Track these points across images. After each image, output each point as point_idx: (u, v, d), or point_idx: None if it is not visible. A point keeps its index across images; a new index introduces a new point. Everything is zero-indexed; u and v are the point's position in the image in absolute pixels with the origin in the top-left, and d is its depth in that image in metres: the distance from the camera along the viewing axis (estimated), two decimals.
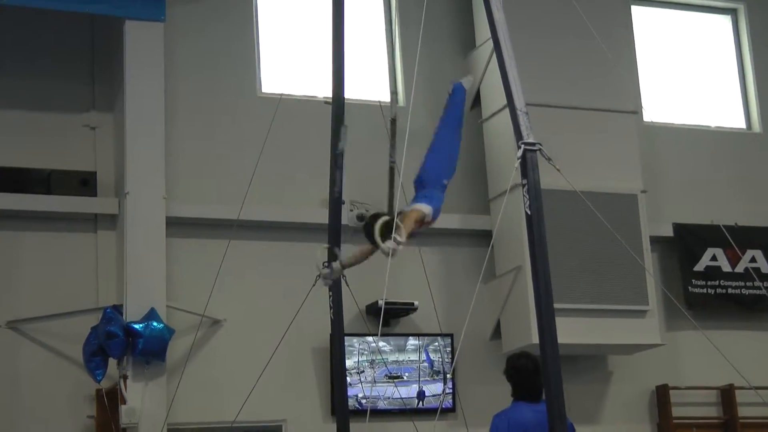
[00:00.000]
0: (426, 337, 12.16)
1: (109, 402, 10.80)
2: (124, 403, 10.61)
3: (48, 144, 11.65)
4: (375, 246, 7.89)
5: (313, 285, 8.93)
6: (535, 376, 7.31)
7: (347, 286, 9.06)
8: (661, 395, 13.18)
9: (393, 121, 8.21)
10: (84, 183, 11.50)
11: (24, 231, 11.38)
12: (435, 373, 12.09)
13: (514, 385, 7.54)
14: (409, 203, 8.06)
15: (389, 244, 7.64)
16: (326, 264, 8.62)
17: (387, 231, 7.75)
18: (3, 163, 11.31)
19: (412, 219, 7.86)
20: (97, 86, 12.03)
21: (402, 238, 7.62)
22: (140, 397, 10.64)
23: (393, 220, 7.78)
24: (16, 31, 11.84)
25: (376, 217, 7.98)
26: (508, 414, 7.44)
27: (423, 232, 8.41)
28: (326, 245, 8.75)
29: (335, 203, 9.03)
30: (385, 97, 12.52)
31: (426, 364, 12.07)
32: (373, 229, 7.83)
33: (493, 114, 12.69)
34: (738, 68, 15.17)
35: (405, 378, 12.00)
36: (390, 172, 8.19)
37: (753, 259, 13.85)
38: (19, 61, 11.81)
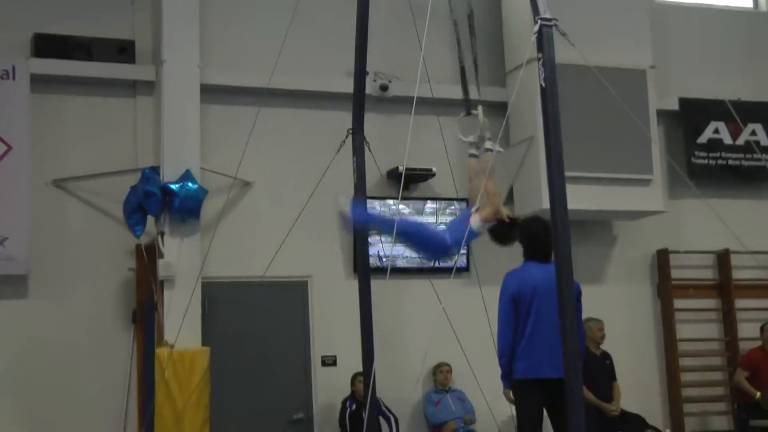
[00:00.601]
0: (443, 201, 12.19)
1: (148, 256, 10.90)
2: (162, 257, 10.72)
3: (89, 13, 11.54)
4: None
5: (338, 150, 8.92)
6: (546, 238, 7.34)
7: (370, 152, 9.05)
8: (662, 258, 13.25)
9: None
10: (123, 51, 11.43)
11: (67, 95, 11.34)
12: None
13: (525, 246, 7.60)
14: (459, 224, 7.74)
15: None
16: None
17: None
18: (47, 30, 11.23)
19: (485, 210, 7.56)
20: None
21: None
22: (176, 252, 10.74)
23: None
24: None
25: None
26: (519, 273, 7.51)
27: (441, 102, 8.35)
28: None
29: (360, 73, 8.94)
30: None
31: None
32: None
33: None
34: None
35: None
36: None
37: (753, 133, 13.77)
38: None
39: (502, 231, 7.55)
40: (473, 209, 7.49)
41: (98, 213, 11.23)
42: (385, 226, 8.37)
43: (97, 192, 11.19)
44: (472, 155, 8.05)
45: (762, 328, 12.24)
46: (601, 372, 10.92)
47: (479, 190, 7.53)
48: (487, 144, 7.79)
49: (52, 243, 11.02)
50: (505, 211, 7.50)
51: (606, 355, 11.13)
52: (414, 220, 8.16)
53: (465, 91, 8.32)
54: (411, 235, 7.71)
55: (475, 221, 7.45)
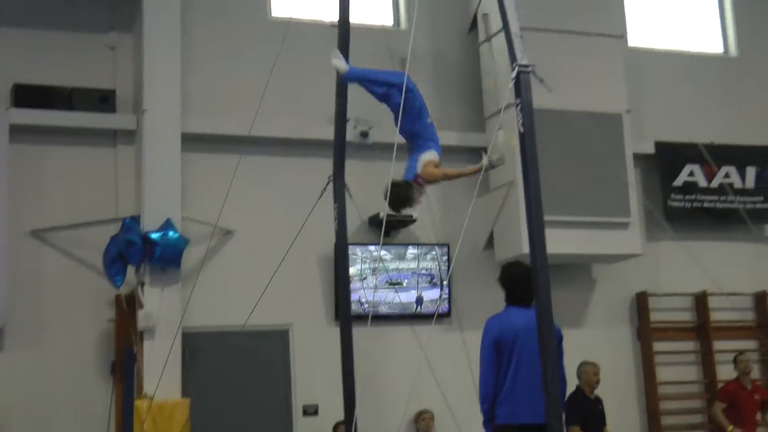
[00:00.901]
0: (424, 246, 12.19)
1: (128, 306, 10.85)
2: (142, 307, 10.66)
3: (70, 63, 11.57)
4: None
5: (319, 197, 8.92)
6: (527, 282, 7.32)
7: (351, 198, 9.05)
8: (641, 301, 13.27)
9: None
10: (104, 100, 11.44)
11: (48, 145, 11.34)
12: (432, 280, 12.14)
13: (507, 291, 7.57)
14: (412, 161, 7.91)
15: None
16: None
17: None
18: (28, 80, 11.24)
19: (434, 168, 7.78)
20: (116, 8, 11.90)
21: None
22: (157, 302, 10.69)
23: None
24: None
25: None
26: (501, 317, 7.48)
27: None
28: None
29: (340, 120, 8.96)
30: (388, 21, 12.47)
31: (424, 273, 12.12)
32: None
33: (489, 38, 12.60)
34: None
35: (404, 284, 12.05)
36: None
37: (727, 175, 13.88)
38: None
39: (405, 190, 7.75)
40: (433, 161, 7.72)
41: (77, 263, 11.18)
42: (381, 76, 8.32)
43: (76, 242, 11.14)
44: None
45: (735, 359, 12.26)
46: (594, 417, 10.85)
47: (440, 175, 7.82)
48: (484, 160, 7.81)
49: (31, 294, 10.95)
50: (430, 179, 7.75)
51: (599, 400, 11.06)
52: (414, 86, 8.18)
53: None
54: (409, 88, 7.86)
55: (422, 163, 7.72)
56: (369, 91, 8.09)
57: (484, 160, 7.69)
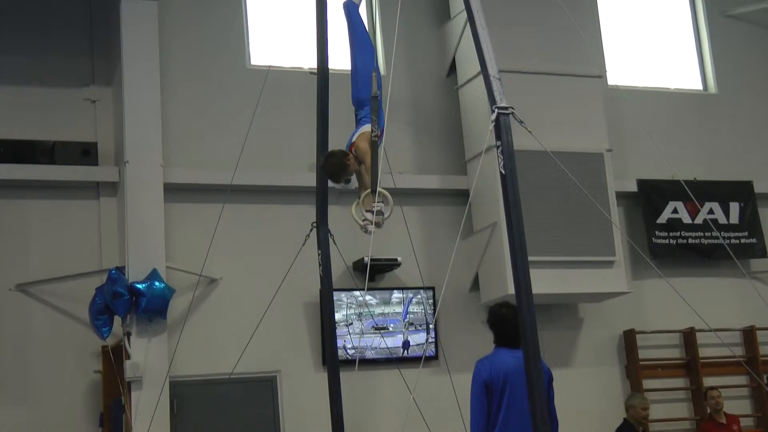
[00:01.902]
0: (409, 290, 12.17)
1: (115, 357, 10.79)
2: (129, 358, 10.60)
3: (51, 117, 11.59)
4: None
5: (303, 244, 8.90)
6: (515, 324, 7.30)
7: (335, 244, 9.03)
8: (629, 339, 13.25)
9: (374, 98, 8.18)
10: (86, 153, 11.45)
11: (30, 200, 11.33)
12: (410, 325, 12.11)
13: (495, 332, 7.55)
14: (356, 128, 8.27)
15: (370, 228, 7.83)
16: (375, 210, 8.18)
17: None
18: (9, 135, 11.25)
19: (366, 143, 8.02)
20: (96, 62, 11.97)
21: (385, 213, 7.83)
22: (143, 353, 10.64)
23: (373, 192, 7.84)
24: (18, 10, 11.75)
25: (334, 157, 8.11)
26: (490, 359, 7.45)
27: (405, 192, 8.44)
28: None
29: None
30: None
31: (411, 315, 12.09)
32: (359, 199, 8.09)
33: (468, 81, 12.67)
34: (694, 34, 15.20)
35: (390, 329, 12.02)
36: (372, 145, 8.11)
37: (711, 211, 13.92)
38: (22, 40, 11.75)
39: (339, 158, 8.07)
40: (366, 134, 8.03)
41: (63, 316, 11.13)
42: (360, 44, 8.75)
43: (61, 295, 11.10)
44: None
45: (705, 394, 12.26)
46: None
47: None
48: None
49: (16, 348, 10.90)
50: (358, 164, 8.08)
51: None
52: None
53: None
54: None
55: (358, 134, 8.14)
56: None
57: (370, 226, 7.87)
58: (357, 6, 8.67)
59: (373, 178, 7.97)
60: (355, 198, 11.66)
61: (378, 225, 7.94)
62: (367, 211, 8.00)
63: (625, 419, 11.12)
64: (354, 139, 8.19)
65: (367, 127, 8.16)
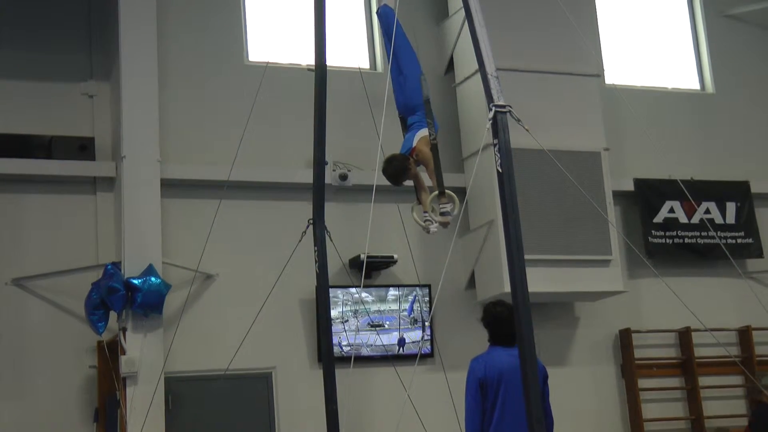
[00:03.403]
0: (405, 288, 12.16)
1: (110, 353, 10.79)
2: (124, 353, 10.59)
3: (49, 112, 11.58)
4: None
5: (300, 241, 8.90)
6: (511, 322, 7.30)
7: (331, 241, 9.04)
8: (624, 338, 13.25)
9: (427, 102, 8.30)
10: (83, 148, 11.43)
11: (27, 194, 11.32)
12: (414, 321, 12.11)
13: (490, 331, 7.54)
14: (406, 136, 8.32)
15: (433, 228, 8.12)
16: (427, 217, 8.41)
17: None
18: (6, 130, 11.24)
19: (428, 147, 8.14)
20: (94, 57, 11.96)
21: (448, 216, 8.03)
22: (139, 348, 10.63)
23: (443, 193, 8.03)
24: (16, 5, 11.74)
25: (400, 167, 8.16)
26: (485, 358, 7.45)
27: (403, 189, 8.45)
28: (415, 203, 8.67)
29: (319, 163, 8.98)
30: (364, 64, 12.55)
31: (405, 312, 12.08)
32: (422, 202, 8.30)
33: (466, 79, 12.67)
34: (692, 33, 15.20)
35: (386, 326, 12.02)
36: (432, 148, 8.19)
37: (707, 211, 13.92)
38: (21, 34, 11.74)
39: (401, 162, 8.14)
40: (426, 137, 8.15)
41: (59, 311, 11.12)
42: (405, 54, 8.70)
43: (57, 290, 11.09)
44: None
45: None
46: None
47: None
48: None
49: (12, 342, 10.88)
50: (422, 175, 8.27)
51: None
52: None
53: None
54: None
55: (417, 138, 8.18)
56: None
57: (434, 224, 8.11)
58: (394, 12, 8.65)
59: (438, 179, 8.09)
60: (351, 195, 11.73)
61: (445, 225, 8.11)
62: (426, 212, 8.20)
63: (761, 402, 11.03)
64: (415, 144, 8.23)
65: (424, 131, 8.24)
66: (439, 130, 8.44)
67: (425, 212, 8.24)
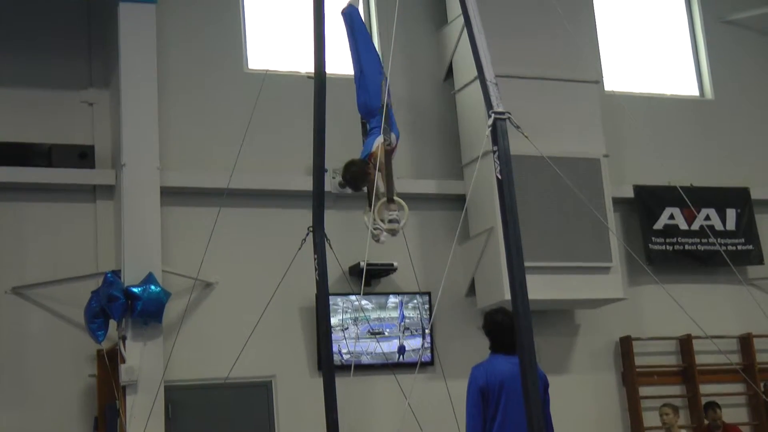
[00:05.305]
0: (405, 295, 12.14)
1: (110, 361, 10.77)
2: (124, 362, 10.59)
3: (48, 120, 11.58)
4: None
5: (299, 248, 8.88)
6: (511, 330, 7.27)
7: (331, 249, 9.01)
8: (625, 346, 13.23)
9: (385, 107, 8.21)
10: (83, 156, 11.43)
11: (27, 202, 11.32)
12: (406, 329, 12.08)
13: (491, 339, 7.53)
14: (366, 141, 8.27)
15: (383, 238, 7.97)
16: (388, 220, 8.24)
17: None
18: (6, 138, 11.23)
19: (383, 155, 8.01)
20: (94, 65, 11.97)
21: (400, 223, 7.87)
22: (138, 357, 10.61)
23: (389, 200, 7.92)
24: (15, 12, 11.74)
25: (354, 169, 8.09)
26: (486, 366, 7.43)
27: (401, 197, 8.43)
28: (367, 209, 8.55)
29: (319, 170, 8.97)
30: None
31: (407, 320, 12.06)
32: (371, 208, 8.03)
33: (465, 86, 12.66)
34: (691, 40, 15.20)
35: (386, 334, 12.00)
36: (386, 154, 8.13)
37: (707, 217, 13.89)
38: (21, 42, 11.75)
39: (360, 167, 8.09)
40: (382, 144, 8.01)
41: (59, 319, 11.11)
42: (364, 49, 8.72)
43: (57, 298, 11.08)
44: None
45: (659, 412, 12.18)
46: None
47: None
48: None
49: (12, 351, 10.87)
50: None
51: None
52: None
53: None
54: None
55: (375, 144, 8.07)
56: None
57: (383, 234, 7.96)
58: (358, 11, 8.64)
59: (388, 187, 8.01)
60: (350, 202, 11.71)
61: (393, 233, 7.99)
62: (380, 219, 8.03)
63: None
64: (373, 149, 8.17)
65: (379, 139, 8.17)
66: (400, 138, 8.42)
67: (380, 219, 8.14)
